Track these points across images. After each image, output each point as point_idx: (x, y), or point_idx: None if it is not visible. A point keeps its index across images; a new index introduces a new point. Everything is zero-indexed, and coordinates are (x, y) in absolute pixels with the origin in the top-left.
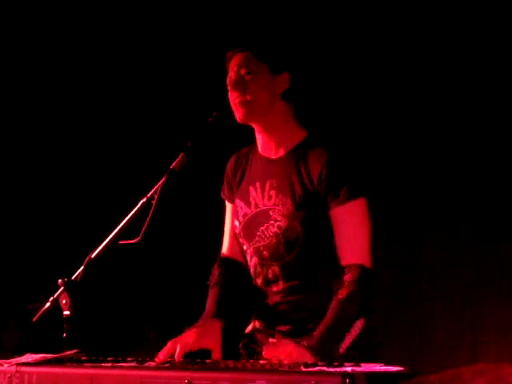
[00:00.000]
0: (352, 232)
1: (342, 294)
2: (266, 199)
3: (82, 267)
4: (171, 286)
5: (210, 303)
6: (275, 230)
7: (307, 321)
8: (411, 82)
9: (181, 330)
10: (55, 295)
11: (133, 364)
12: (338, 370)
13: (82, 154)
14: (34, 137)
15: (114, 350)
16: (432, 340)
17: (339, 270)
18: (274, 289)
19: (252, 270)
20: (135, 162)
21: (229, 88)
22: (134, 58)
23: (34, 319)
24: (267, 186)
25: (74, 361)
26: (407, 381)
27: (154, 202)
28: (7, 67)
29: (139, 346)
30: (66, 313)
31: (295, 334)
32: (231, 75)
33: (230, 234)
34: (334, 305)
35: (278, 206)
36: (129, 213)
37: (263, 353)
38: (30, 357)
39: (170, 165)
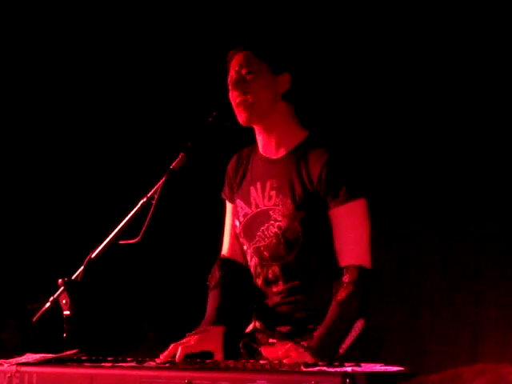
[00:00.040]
0: (351, 232)
1: (341, 295)
2: (266, 199)
3: (82, 267)
4: (171, 285)
5: (210, 308)
6: (275, 230)
7: (307, 321)
8: (411, 82)
9: (180, 330)
10: (55, 295)
11: (133, 364)
12: (338, 370)
13: (82, 154)
14: (34, 137)
15: (113, 349)
16: (432, 340)
17: (339, 271)
18: (274, 289)
19: (252, 270)
20: (135, 161)
21: (230, 87)
22: (134, 58)
23: (34, 319)
24: (268, 186)
25: (74, 361)
26: (407, 381)
27: (153, 202)
28: (7, 67)
29: (139, 345)
30: (66, 313)
31: (295, 335)
32: (232, 74)
33: (231, 234)
34: (333, 306)
35: (278, 206)
36: (129, 213)
37: (262, 352)
38: (30, 357)
39: (170, 165)
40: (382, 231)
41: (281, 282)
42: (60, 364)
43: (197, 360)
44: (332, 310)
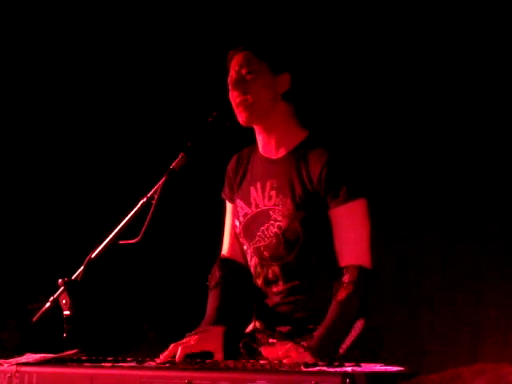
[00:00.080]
0: (351, 232)
1: (341, 295)
2: (266, 199)
3: (82, 267)
4: (171, 285)
5: (210, 308)
6: (275, 230)
7: (307, 321)
8: (411, 83)
9: (180, 330)
10: (55, 295)
11: (133, 364)
12: (338, 370)
13: (82, 154)
14: (34, 137)
15: (113, 349)
16: (432, 340)
17: (339, 271)
18: (274, 289)
19: (252, 270)
20: (135, 162)
21: (229, 87)
22: (134, 59)
23: (34, 319)
24: (268, 186)
25: (74, 361)
26: (407, 381)
27: (153, 202)
28: (7, 67)
29: (139, 345)
30: (66, 313)
31: (295, 335)
32: (232, 74)
33: (231, 234)
34: (333, 306)
35: (278, 206)
36: (129, 213)
37: (262, 352)
38: (30, 357)
39: (170, 165)
40: (382, 231)
41: (281, 282)
42: (60, 364)
43: (197, 360)
44: (332, 310)
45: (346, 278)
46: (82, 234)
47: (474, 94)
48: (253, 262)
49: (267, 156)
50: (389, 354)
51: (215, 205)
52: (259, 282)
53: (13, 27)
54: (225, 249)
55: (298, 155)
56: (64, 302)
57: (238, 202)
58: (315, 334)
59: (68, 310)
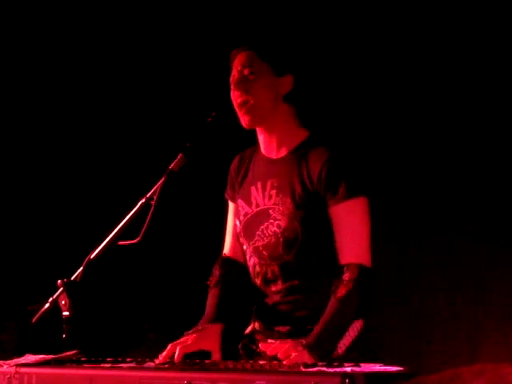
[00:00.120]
0: (351, 231)
1: (340, 292)
2: (266, 199)
3: (82, 268)
4: (171, 286)
5: (209, 306)
6: (274, 228)
7: (307, 321)
8: (411, 84)
9: (180, 330)
10: (54, 296)
11: (132, 365)
12: (337, 370)
13: (82, 155)
14: (34, 137)
15: (113, 350)
16: (432, 340)
17: (338, 270)
18: (273, 288)
19: (251, 269)
20: (134, 162)
21: (231, 87)
22: (134, 59)
23: (34, 320)
24: (268, 185)
25: (74, 361)
26: (407, 381)
27: (153, 203)
28: (7, 67)
29: (138, 346)
30: (66, 313)
31: (295, 335)
32: (234, 74)
33: (232, 234)
34: (332, 303)
35: (278, 205)
36: (128, 213)
37: (262, 347)
38: (29, 358)
39: (169, 165)
40: (382, 231)
41: (280, 282)
42: (59, 365)
43: (196, 360)
44: (331, 307)
45: (346, 276)
46: (82, 235)
47: (474, 94)
48: (252, 261)
49: (268, 156)
50: (388, 354)
51: (215, 205)
52: (258, 281)
53: (13, 27)
54: (226, 248)
55: (299, 155)
56: (63, 302)
57: (239, 201)
58: (314, 330)
59: (67, 310)
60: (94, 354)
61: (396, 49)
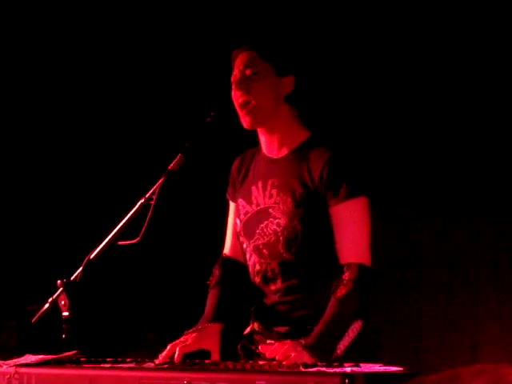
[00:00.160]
0: (351, 230)
1: (340, 292)
2: (267, 198)
3: (81, 268)
4: (170, 286)
5: (209, 305)
6: (274, 227)
7: (306, 321)
8: (412, 86)
9: (180, 331)
10: (54, 296)
11: (132, 365)
12: (337, 370)
13: (81, 155)
14: (34, 137)
15: (113, 350)
16: (432, 340)
17: (338, 269)
18: (273, 287)
19: (251, 268)
20: (134, 162)
21: (233, 87)
22: (134, 59)
23: (33, 320)
24: (269, 184)
25: (73, 362)
26: (406, 381)
27: (152, 203)
28: (7, 67)
29: (138, 346)
30: (65, 314)
31: (294, 335)
32: (236, 74)
33: (233, 234)
34: (332, 303)
35: (278, 204)
36: (127, 213)
37: (261, 349)
38: (29, 358)
39: (169, 165)
40: (381, 230)
41: (279, 280)
42: (59, 365)
43: (196, 361)
44: (331, 307)
45: (346, 276)
46: (81, 235)
47: (474, 94)
48: (252, 260)
49: (269, 156)
50: (388, 354)
51: (214, 205)
52: (258, 280)
53: (13, 27)
54: (227, 248)
55: (300, 154)
56: (63, 302)
57: (240, 200)
58: (313, 330)
59: (67, 310)
60: (93, 355)
61: (397, 49)
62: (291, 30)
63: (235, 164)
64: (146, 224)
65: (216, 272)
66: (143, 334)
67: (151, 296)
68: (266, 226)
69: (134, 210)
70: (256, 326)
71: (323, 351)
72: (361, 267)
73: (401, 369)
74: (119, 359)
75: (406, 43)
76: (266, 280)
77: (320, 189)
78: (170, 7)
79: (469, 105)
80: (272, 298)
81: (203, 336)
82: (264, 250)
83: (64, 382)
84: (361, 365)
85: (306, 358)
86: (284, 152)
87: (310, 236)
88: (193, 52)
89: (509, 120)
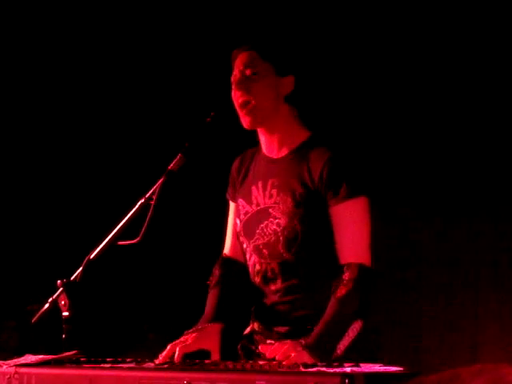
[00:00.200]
0: (351, 230)
1: (340, 292)
2: (267, 198)
3: (81, 268)
4: (170, 286)
5: (209, 306)
6: (274, 227)
7: (305, 321)
8: (412, 86)
9: (180, 331)
10: (54, 296)
11: (132, 365)
12: (337, 370)
13: (81, 155)
14: (34, 138)
15: (113, 350)
16: (432, 340)
17: (338, 269)
18: (273, 287)
19: (251, 268)
20: (134, 162)
21: (233, 87)
22: (134, 59)
23: (33, 320)
24: (269, 184)
25: (73, 362)
26: (406, 381)
27: (152, 203)
28: (7, 67)
29: (138, 346)
30: (65, 314)
31: (294, 335)
32: (236, 74)
33: (233, 234)
34: (332, 303)
35: (278, 204)
36: (127, 213)
37: (261, 350)
38: (29, 358)
39: (169, 165)
40: (381, 231)
41: (279, 280)
42: (59, 365)
43: (196, 361)
44: (331, 307)
45: (345, 276)
46: (81, 235)
47: (473, 94)
48: (252, 260)
49: (269, 156)
50: (388, 354)
51: (214, 205)
52: (258, 280)
53: (13, 27)
54: (227, 248)
55: (300, 154)
56: (63, 303)
57: (240, 200)
58: (314, 330)
59: (67, 310)
60: (93, 355)
61: (396, 50)
62: (291, 30)
63: (235, 164)
64: (145, 224)
65: (216, 272)
66: (143, 334)
67: (151, 296)
68: (266, 225)
69: (134, 210)
70: (256, 326)
71: (323, 351)
72: (361, 267)
73: (401, 369)
74: (119, 359)
75: (405, 43)
76: (266, 280)
77: (320, 189)
78: (170, 7)
79: (469, 105)
80: (272, 298)
81: (203, 336)
82: (264, 250)
83: (64, 382)
84: (361, 365)
85: (306, 358)
86: (284, 152)
87: (310, 236)
88: (193, 52)
89: (509, 120)
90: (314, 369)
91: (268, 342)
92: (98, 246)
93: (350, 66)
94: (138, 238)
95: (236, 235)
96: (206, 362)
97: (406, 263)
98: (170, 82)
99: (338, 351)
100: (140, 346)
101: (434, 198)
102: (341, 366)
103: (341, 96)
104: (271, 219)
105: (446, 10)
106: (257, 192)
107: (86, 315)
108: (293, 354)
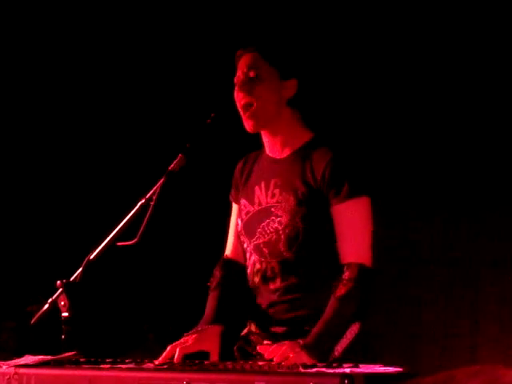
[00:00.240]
0: (353, 230)
1: (340, 291)
2: (269, 197)
3: (81, 268)
4: (170, 286)
5: (209, 307)
6: (276, 225)
7: (304, 322)
8: (413, 89)
9: (180, 331)
10: (54, 297)
11: (131, 365)
12: (336, 370)
13: (81, 156)
14: (34, 138)
15: (112, 351)
16: (431, 341)
17: (338, 269)
18: (272, 287)
19: (251, 267)
20: (134, 163)
21: (236, 88)
22: (135, 59)
23: (33, 321)
24: (272, 184)
25: (73, 362)
26: (403, 382)
27: (152, 204)
28: (7, 67)
29: (138, 347)
30: (65, 314)
31: (291, 336)
32: (239, 75)
33: (235, 236)
34: (332, 302)
35: (280, 203)
36: (127, 214)
37: (260, 350)
38: (28, 358)
39: (169, 166)
40: (381, 231)
41: (278, 279)
42: (58, 366)
43: (195, 361)
44: (330, 306)
45: (345, 275)
46: (81, 236)
47: (474, 94)
48: (252, 259)
49: (272, 156)
50: (387, 355)
51: (215, 206)
52: (257, 279)
53: (13, 27)
54: (228, 250)
55: (303, 154)
56: (62, 303)
57: (242, 201)
58: (313, 329)
59: (66, 311)
60: (93, 355)
61: (398, 53)
62: (295, 34)
63: (238, 166)
64: (144, 225)
65: (217, 273)
66: (143, 335)
67: (151, 296)
68: (268, 224)
69: (133, 210)
70: (253, 326)
71: (322, 351)
72: (361, 267)
73: (400, 369)
74: (118, 360)
75: (406, 47)
76: (266, 279)
77: (322, 188)
78: (173, 8)
79: (469, 105)
80: (271, 297)
81: (203, 337)
82: (264, 249)
83: (63, 382)
84: (360, 365)
85: (305, 358)
86: (287, 152)
87: (311, 235)
88: (194, 53)
89: (509, 120)
90: (314, 369)
91: (265, 342)
92: (98, 246)
93: (352, 69)
94: (135, 239)
95: (238, 237)
96: (206, 362)
97: (406, 263)
98: (171, 82)
99: (336, 353)
100: (139, 346)
101: (434, 198)
102: (340, 366)
103: (343, 99)
104: (273, 217)
105: (446, 11)
106: (259, 192)
107: (85, 316)
108: (291, 355)
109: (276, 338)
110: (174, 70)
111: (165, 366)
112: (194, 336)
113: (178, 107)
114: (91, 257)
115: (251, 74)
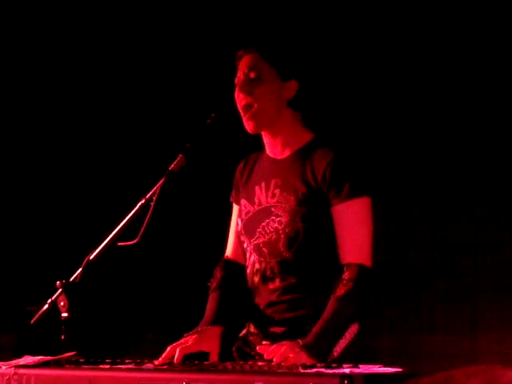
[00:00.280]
0: (353, 230)
1: (339, 291)
2: (269, 197)
3: (81, 269)
4: (169, 287)
5: (209, 308)
6: (276, 225)
7: (303, 322)
8: (414, 89)
9: (179, 332)
10: (53, 297)
11: (131, 366)
12: (336, 371)
13: (81, 156)
14: (34, 138)
15: (112, 351)
16: (431, 341)
17: (338, 269)
18: (271, 286)
19: (250, 267)
20: (134, 163)
21: (236, 88)
22: (135, 60)
23: (32, 321)
24: (272, 184)
25: (72, 363)
26: (402, 383)
27: (152, 204)
28: (7, 67)
29: (137, 347)
30: (64, 315)
31: (290, 336)
32: (240, 76)
33: (235, 237)
34: (331, 302)
35: (281, 203)
36: (127, 214)
37: (259, 350)
38: (28, 359)
39: (169, 166)
40: (382, 231)
41: (278, 279)
42: (58, 366)
43: (195, 362)
44: (330, 306)
45: (345, 276)
46: (81, 236)
47: (474, 94)
48: (251, 259)
49: (273, 156)
50: (386, 356)
51: (215, 206)
52: (257, 279)
53: (13, 27)
54: (229, 250)
55: (304, 155)
56: (62, 304)
57: (242, 201)
58: (312, 329)
59: (66, 311)
60: (92, 355)
61: (398, 52)
62: (295, 35)
63: (239, 166)
64: (144, 225)
65: (217, 274)
66: (142, 335)
67: (150, 297)
68: (268, 224)
69: (133, 210)
70: (252, 327)
71: (321, 351)
72: (360, 267)
73: (400, 370)
74: (118, 360)
75: (407, 47)
76: (265, 279)
77: (323, 188)
78: (174, 9)
79: (469, 105)
80: (270, 297)
81: (203, 338)
82: (264, 249)
83: (63, 382)
84: (360, 366)
85: (305, 358)
86: (287, 153)
87: (311, 235)
88: (194, 54)
89: (509, 120)
90: (313, 370)
91: (264, 342)
92: (98, 246)
93: (352, 70)
94: (136, 239)
95: (238, 237)
96: (205, 363)
97: (406, 263)
98: (172, 83)
99: (335, 353)
100: (139, 346)
101: (434, 198)
102: (340, 366)
103: (343, 99)
104: (273, 217)
105: (446, 11)
106: (260, 192)
107: (85, 316)
108: (291, 355)
109: (275, 339)
110: (175, 71)
111: (165, 367)
112: (194, 336)
113: (179, 108)
114: (91, 257)
115: (252, 75)
